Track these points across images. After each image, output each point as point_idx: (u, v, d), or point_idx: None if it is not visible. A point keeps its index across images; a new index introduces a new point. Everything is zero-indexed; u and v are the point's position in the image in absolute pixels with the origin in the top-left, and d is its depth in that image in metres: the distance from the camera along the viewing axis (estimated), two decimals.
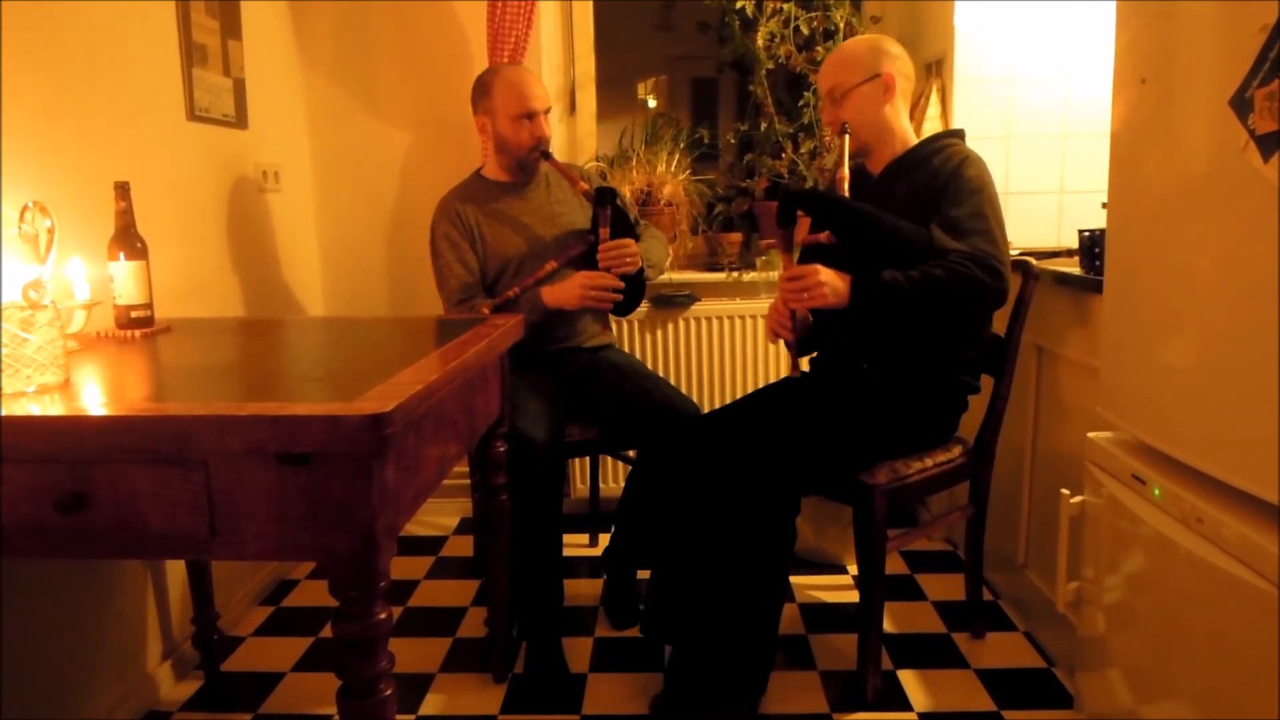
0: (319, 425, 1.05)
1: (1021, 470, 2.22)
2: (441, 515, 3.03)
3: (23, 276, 1.32)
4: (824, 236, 1.96)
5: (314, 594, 2.50)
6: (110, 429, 1.09)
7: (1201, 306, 1.22)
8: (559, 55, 3.07)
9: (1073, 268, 1.96)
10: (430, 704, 1.95)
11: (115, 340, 1.67)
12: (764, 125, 2.90)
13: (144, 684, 1.94)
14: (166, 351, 1.57)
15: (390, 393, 1.14)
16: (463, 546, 2.81)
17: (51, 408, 1.13)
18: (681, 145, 3.04)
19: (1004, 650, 2.11)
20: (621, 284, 2.18)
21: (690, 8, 3.21)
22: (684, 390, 2.63)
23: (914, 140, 2.00)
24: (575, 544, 2.75)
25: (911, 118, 2.65)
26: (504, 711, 1.92)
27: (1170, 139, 1.28)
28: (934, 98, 2.64)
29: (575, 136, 3.13)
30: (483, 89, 2.30)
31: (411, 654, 2.12)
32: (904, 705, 1.90)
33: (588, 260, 2.23)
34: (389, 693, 1.16)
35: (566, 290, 2.18)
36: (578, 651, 2.14)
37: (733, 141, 3.11)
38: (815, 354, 2.14)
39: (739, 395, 2.86)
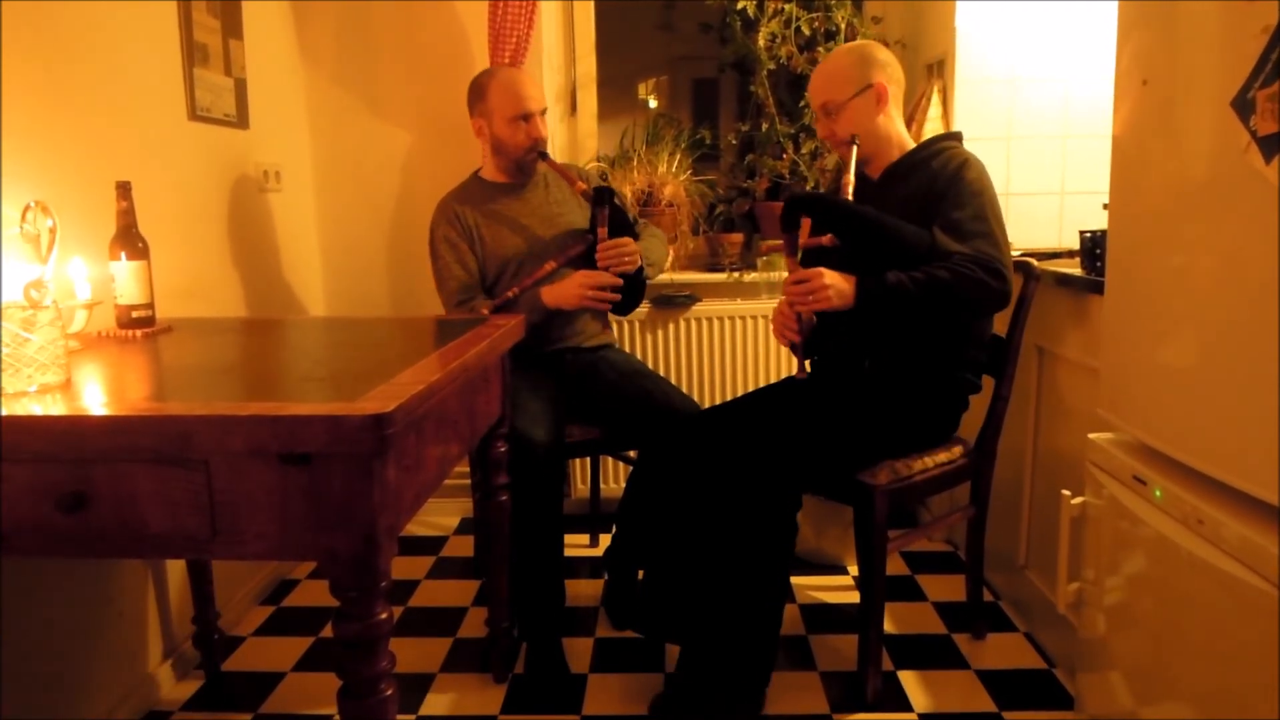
0: (320, 425, 1.05)
1: (1022, 471, 2.21)
2: (442, 515, 3.03)
3: (24, 276, 1.32)
4: (826, 239, 1.97)
5: (314, 594, 2.50)
6: (111, 429, 1.09)
7: (1203, 307, 1.22)
8: (560, 55, 3.07)
9: (1074, 269, 1.96)
10: (431, 704, 1.95)
11: (116, 340, 1.67)
12: (765, 126, 2.90)
13: (144, 684, 1.94)
14: (168, 351, 1.57)
15: (391, 393, 1.14)
16: (463, 546, 2.81)
17: (53, 407, 1.13)
18: (682, 146, 3.04)
19: (1004, 651, 2.11)
20: (620, 283, 2.18)
21: (691, 8, 3.21)
22: (685, 390, 2.63)
23: (910, 144, 2.01)
24: (576, 544, 2.76)
25: (912, 118, 2.67)
26: (504, 711, 1.92)
27: (1172, 140, 1.28)
28: (935, 98, 2.64)
29: (576, 137, 3.13)
30: (478, 92, 2.30)
31: (412, 654, 2.12)
32: (904, 706, 1.90)
33: (587, 260, 2.23)
34: (389, 693, 1.16)
35: (565, 290, 2.18)
36: (578, 652, 2.14)
37: (734, 142, 3.11)
38: (817, 356, 2.14)
39: (739, 395, 2.86)
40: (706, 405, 2.84)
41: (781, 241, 1.97)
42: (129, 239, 1.71)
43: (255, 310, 2.49)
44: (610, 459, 2.93)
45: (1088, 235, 1.86)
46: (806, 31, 2.80)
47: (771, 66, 2.83)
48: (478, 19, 2.74)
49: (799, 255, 1.95)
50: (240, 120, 2.43)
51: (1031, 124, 2.61)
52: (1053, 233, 2.61)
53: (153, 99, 2.04)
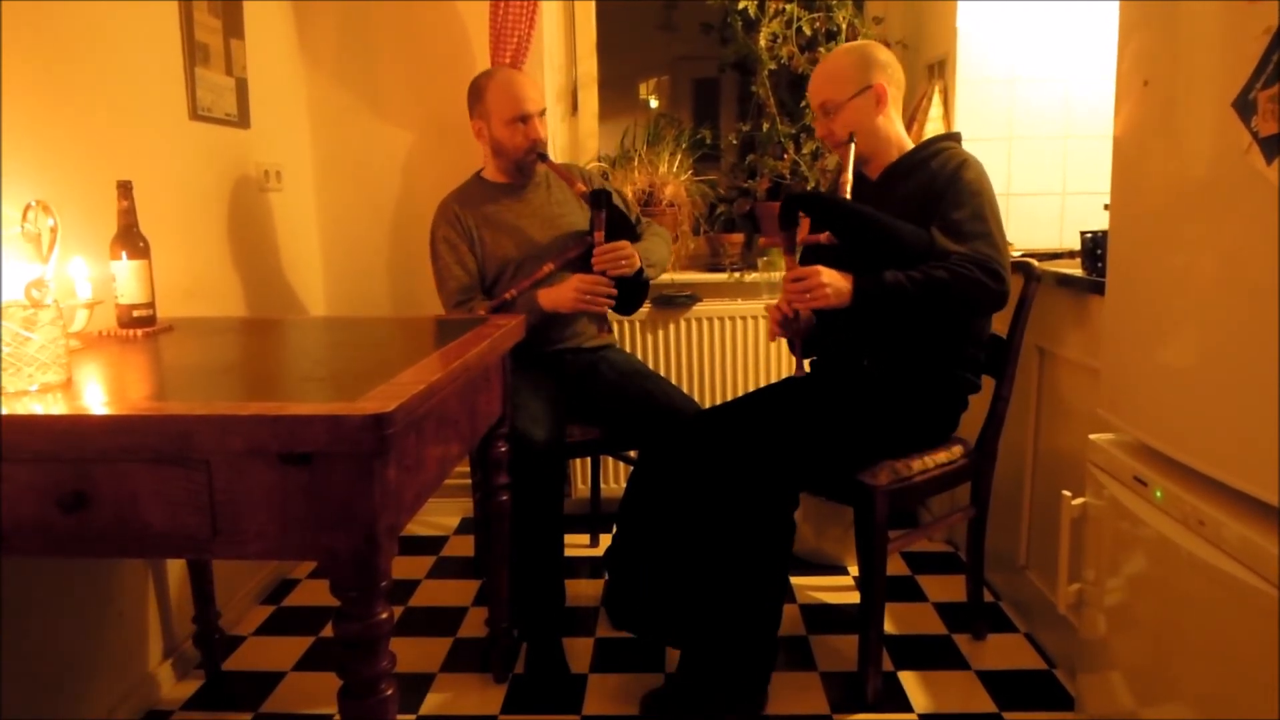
0: (321, 425, 1.05)
1: (1023, 472, 2.21)
2: (443, 515, 3.03)
3: (25, 275, 1.32)
4: (824, 237, 1.97)
5: (315, 593, 2.50)
6: (112, 428, 1.09)
7: (1203, 308, 1.22)
8: (561, 55, 3.07)
9: (1074, 269, 1.96)
10: (431, 704, 1.95)
11: (117, 339, 1.67)
12: (766, 126, 2.90)
13: (144, 683, 1.94)
14: (168, 351, 1.57)
15: (392, 393, 1.14)
16: (464, 546, 2.81)
17: (53, 407, 1.13)
18: (683, 146, 3.04)
19: (1005, 652, 2.11)
20: (614, 289, 2.18)
21: (692, 8, 3.21)
22: (685, 390, 2.62)
23: (909, 144, 2.01)
24: (576, 544, 2.76)
25: (913, 119, 2.67)
26: (504, 711, 1.92)
27: (1173, 141, 1.28)
28: (936, 99, 2.64)
29: (577, 137, 3.13)
30: (476, 93, 2.30)
31: (412, 654, 2.12)
32: (905, 706, 1.90)
33: (585, 262, 2.23)
34: (390, 692, 1.16)
35: (561, 293, 2.18)
36: (579, 652, 2.14)
37: (734, 142, 3.11)
38: (816, 356, 2.14)
39: (740, 395, 2.86)
40: (707, 405, 2.85)
41: (780, 239, 1.97)
42: (130, 238, 1.71)
43: (256, 310, 2.49)
44: (610, 459, 2.93)
45: (1088, 236, 1.86)
46: (808, 32, 2.80)
47: (772, 66, 2.83)
48: (479, 19, 2.74)
49: (797, 253, 1.95)
50: (241, 120, 2.43)
51: (1032, 124, 2.61)
52: (1053, 233, 2.61)
53: (154, 98, 2.04)
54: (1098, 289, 1.68)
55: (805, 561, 2.59)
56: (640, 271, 2.24)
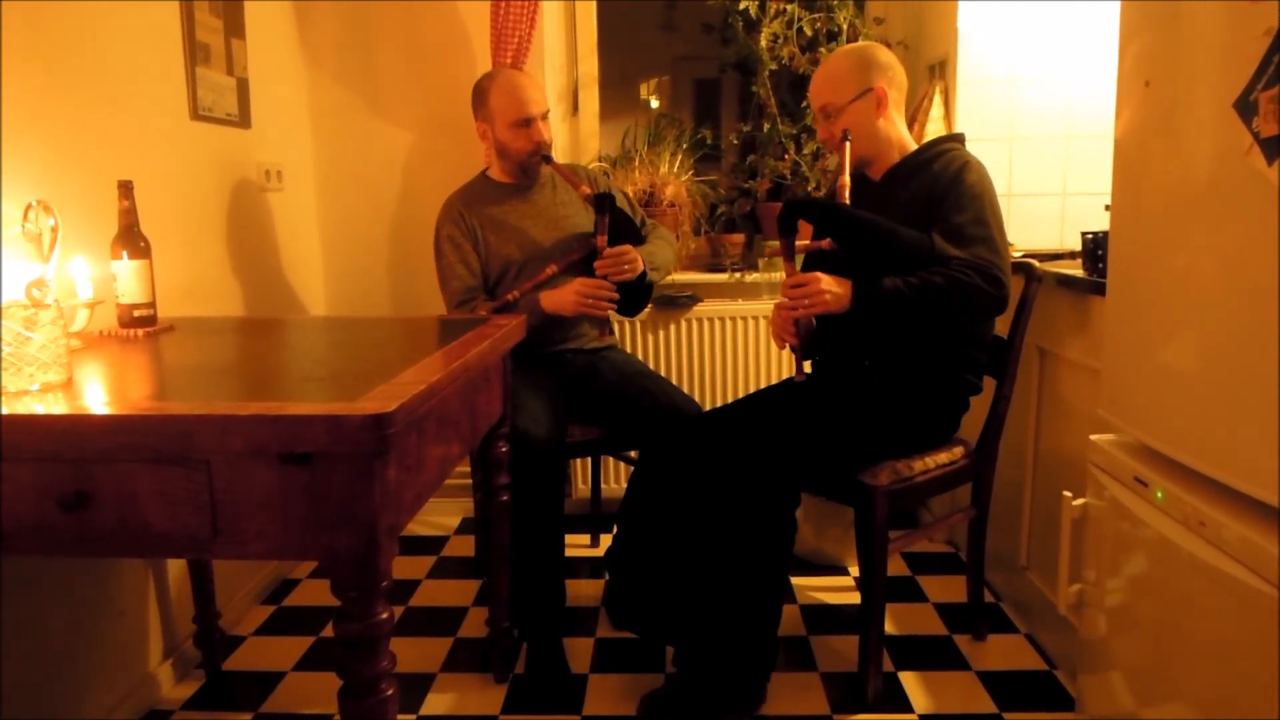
0: (321, 425, 1.05)
1: (1023, 472, 2.21)
2: (443, 515, 3.03)
3: (26, 275, 1.32)
4: (826, 243, 1.97)
5: (315, 593, 2.50)
6: (113, 428, 1.09)
7: (1204, 309, 1.21)
8: (562, 55, 3.07)
9: (1075, 270, 1.96)
10: (431, 704, 1.95)
11: (118, 339, 1.67)
12: (767, 126, 2.90)
13: (145, 683, 1.94)
14: (169, 351, 1.57)
15: (392, 393, 1.14)
16: (464, 546, 2.81)
17: (54, 406, 1.13)
18: (684, 146, 3.04)
19: (1005, 652, 2.11)
20: (616, 295, 2.18)
21: (693, 8, 3.21)
22: (686, 391, 2.62)
23: (912, 146, 2.00)
24: (577, 545, 2.76)
25: (914, 119, 2.67)
26: (505, 711, 1.92)
27: (1174, 142, 1.28)
28: (937, 99, 2.64)
29: (578, 137, 3.13)
30: (480, 96, 2.30)
31: (413, 654, 2.12)
32: (905, 707, 1.90)
33: (589, 265, 2.23)
34: (390, 692, 1.16)
35: (563, 297, 2.18)
36: (579, 652, 2.14)
37: (735, 142, 3.11)
38: (817, 358, 2.14)
39: (741, 396, 2.86)
40: (708, 406, 2.86)
41: (779, 245, 1.97)
42: (131, 238, 1.71)
43: (256, 310, 2.49)
44: (611, 459, 2.93)
45: (1089, 236, 1.86)
46: (809, 32, 2.80)
47: (773, 67, 2.82)
48: (480, 19, 2.74)
49: (796, 259, 1.95)
50: (242, 120, 2.43)
51: (1033, 125, 2.61)
52: (1054, 234, 2.61)
53: (155, 98, 2.05)
54: (1099, 290, 1.68)
55: (806, 562, 2.59)
56: (643, 275, 2.24)
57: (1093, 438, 1.53)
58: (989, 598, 2.35)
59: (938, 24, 2.76)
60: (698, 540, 1.86)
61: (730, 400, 2.88)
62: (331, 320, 2.59)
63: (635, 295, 2.27)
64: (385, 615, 1.14)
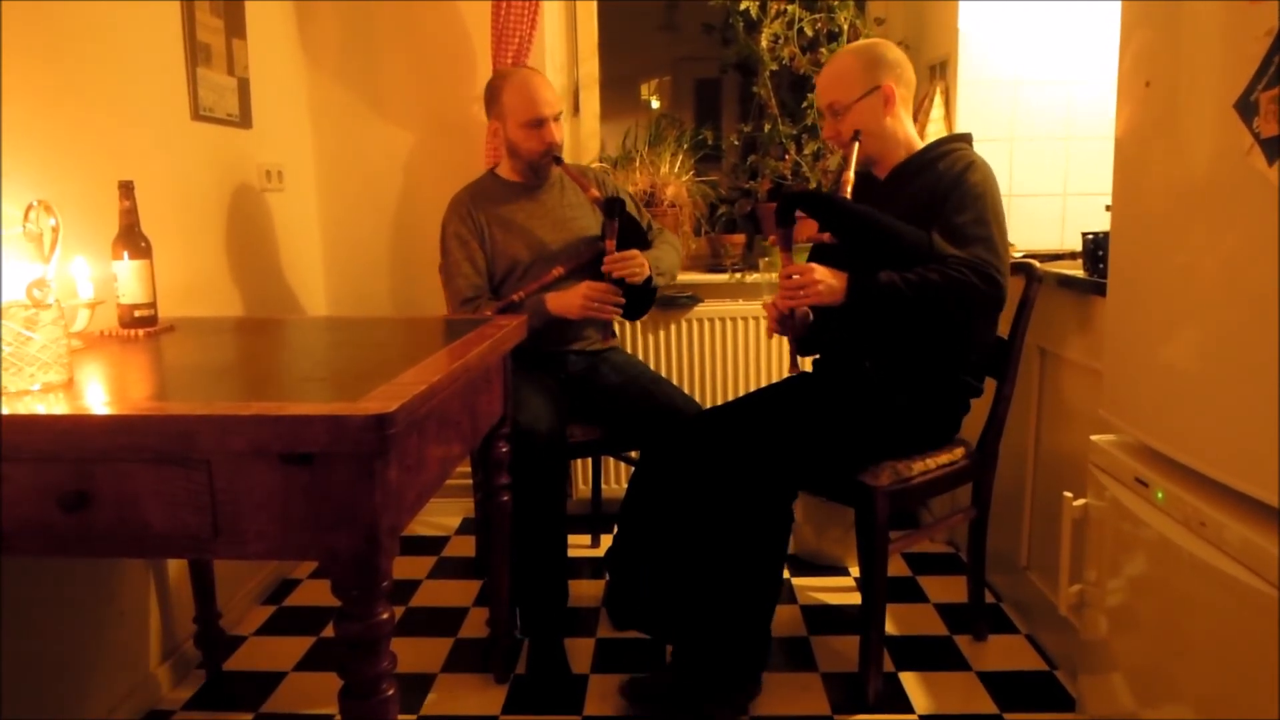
0: (322, 425, 1.05)
1: (1024, 473, 2.21)
2: (444, 515, 3.03)
3: (27, 275, 1.32)
4: (828, 236, 1.97)
5: (316, 593, 2.50)
6: (113, 428, 1.09)
7: (1205, 309, 1.21)
8: (563, 56, 3.07)
9: (1076, 270, 1.96)
10: (432, 704, 1.95)
11: (118, 339, 1.67)
12: (767, 126, 2.90)
13: (145, 683, 1.94)
14: (170, 351, 1.57)
15: (393, 393, 1.14)
16: (465, 546, 2.81)
17: (55, 406, 1.13)
18: (685, 146, 3.04)
19: (1006, 653, 2.11)
20: (623, 300, 2.18)
21: (694, 9, 3.21)
22: (686, 391, 2.62)
23: (919, 145, 2.00)
24: (577, 545, 2.75)
25: (915, 120, 2.66)
26: (505, 712, 1.92)
27: (1174, 142, 1.28)
28: (938, 100, 2.64)
29: (579, 137, 3.13)
30: (493, 94, 2.29)
31: (413, 654, 2.13)
32: (905, 707, 1.90)
33: (595, 268, 2.23)
34: (391, 693, 1.16)
35: (569, 300, 2.18)
36: (580, 652, 2.14)
37: (736, 143, 3.11)
38: (818, 355, 2.14)
39: (741, 395, 2.86)
40: (708, 406, 2.85)
41: (776, 236, 1.97)
42: (131, 238, 1.71)
43: (257, 310, 2.49)
44: (612, 459, 2.93)
45: (1090, 237, 1.86)
46: (809, 32, 2.80)
47: (774, 67, 2.83)
48: (480, 19, 2.74)
49: (793, 250, 1.95)
50: (243, 120, 2.43)
51: (1034, 125, 2.61)
52: (1055, 234, 2.61)
53: (155, 98, 2.05)
54: (1099, 290, 1.68)
55: (806, 562, 2.59)
56: (649, 279, 2.24)
57: (1093, 438, 1.53)
58: (989, 598, 2.34)
59: (938, 24, 2.76)
60: (698, 540, 1.86)
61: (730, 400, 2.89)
62: (332, 320, 2.59)
63: (640, 299, 2.27)
64: (386, 615, 1.14)
